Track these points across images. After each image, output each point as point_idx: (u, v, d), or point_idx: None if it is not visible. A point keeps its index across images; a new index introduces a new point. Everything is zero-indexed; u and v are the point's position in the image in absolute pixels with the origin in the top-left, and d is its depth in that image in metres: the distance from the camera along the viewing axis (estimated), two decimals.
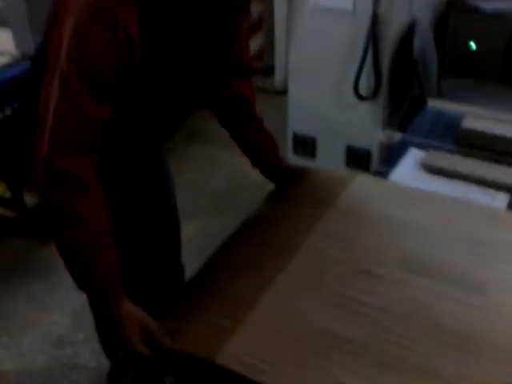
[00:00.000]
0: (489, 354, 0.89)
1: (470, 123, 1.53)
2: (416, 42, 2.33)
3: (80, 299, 2.08)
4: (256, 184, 2.77)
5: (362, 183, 1.31)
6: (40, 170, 0.91)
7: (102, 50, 0.88)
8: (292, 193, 1.32)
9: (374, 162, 2.53)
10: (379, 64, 2.35)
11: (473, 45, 2.81)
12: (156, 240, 1.35)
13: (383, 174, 1.40)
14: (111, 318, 0.94)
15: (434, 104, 1.74)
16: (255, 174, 2.84)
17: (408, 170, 1.40)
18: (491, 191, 1.31)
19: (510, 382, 0.85)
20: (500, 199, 1.29)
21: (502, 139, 1.47)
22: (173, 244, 1.51)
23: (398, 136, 1.60)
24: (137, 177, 1.24)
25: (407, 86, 2.62)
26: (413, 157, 1.45)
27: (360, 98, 2.43)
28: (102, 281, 0.93)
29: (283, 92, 3.15)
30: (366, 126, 2.53)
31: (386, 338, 0.92)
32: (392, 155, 1.49)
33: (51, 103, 0.90)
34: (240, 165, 2.91)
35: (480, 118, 1.57)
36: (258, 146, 1.34)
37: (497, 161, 1.43)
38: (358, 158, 2.61)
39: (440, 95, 2.42)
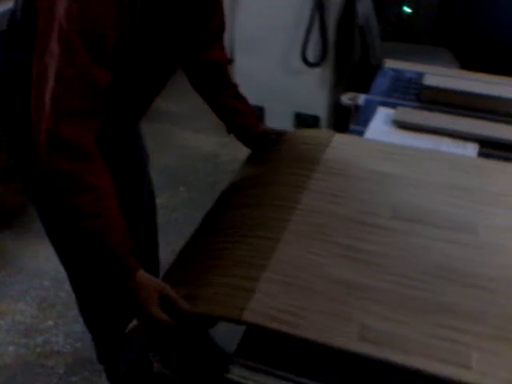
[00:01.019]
0: (493, 287, 0.96)
1: (430, 80, 1.60)
2: (359, 8, 2.38)
3: (44, 286, 2.04)
4: (208, 158, 2.79)
5: (342, 142, 1.35)
6: (43, 139, 0.87)
7: (104, 10, 0.85)
8: (273, 155, 1.33)
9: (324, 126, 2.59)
10: (325, 30, 2.39)
11: (407, 9, 2.91)
12: (132, 216, 1.34)
13: (357, 133, 1.44)
14: (128, 287, 0.93)
15: (390, 65, 1.79)
16: (206, 149, 2.86)
17: (380, 128, 1.46)
18: (461, 142, 1.39)
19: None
20: (471, 149, 1.37)
21: (461, 94, 1.55)
22: (149, 218, 1.50)
23: (361, 97, 1.64)
24: (116, 150, 1.22)
25: (353, 51, 2.68)
26: (383, 115, 1.51)
27: (308, 64, 2.47)
28: (116, 248, 0.92)
29: (229, 62, 3.15)
30: (314, 92, 2.59)
31: (396, 281, 0.97)
32: (361, 116, 1.54)
33: (50, 70, 0.86)
34: (190, 140, 2.92)
35: (437, 75, 1.65)
36: (234, 110, 1.34)
37: (458, 114, 1.51)
38: (306, 125, 2.67)
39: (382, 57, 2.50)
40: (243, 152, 2.62)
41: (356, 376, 0.86)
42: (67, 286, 1.95)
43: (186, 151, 2.82)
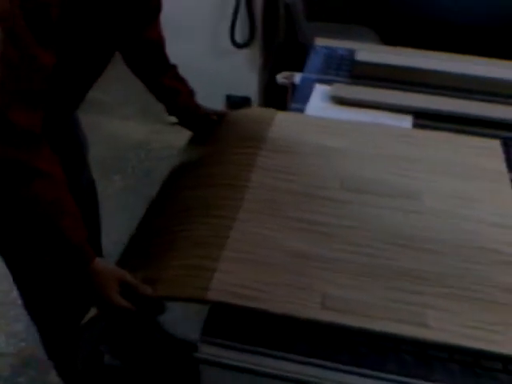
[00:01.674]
0: (442, 250, 1.01)
1: (361, 56, 1.64)
2: None
3: None
4: (140, 146, 2.74)
5: (285, 119, 1.36)
6: None
7: None
8: (217, 136, 1.33)
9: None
10: (252, 10, 2.39)
11: None
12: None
13: (297, 110, 1.46)
14: (87, 276, 0.91)
15: (322, 43, 1.83)
16: (138, 136, 2.80)
17: (319, 104, 1.48)
18: (396, 115, 1.44)
19: (461, 266, 0.99)
20: (405, 121, 1.42)
21: (392, 68, 1.60)
22: (91, 207, 1.46)
23: (297, 76, 1.66)
24: (56, 137, 1.18)
25: (280, 31, 2.70)
26: (320, 92, 1.54)
27: (236, 45, 2.47)
28: (72, 235, 0.89)
29: None
30: (244, 73, 2.59)
31: (351, 249, 1.01)
32: (299, 94, 1.56)
33: None
34: (120, 129, 2.85)
35: (367, 51, 1.69)
36: (174, 92, 1.32)
37: (391, 88, 1.56)
38: (238, 106, 2.67)
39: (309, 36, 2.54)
40: (175, 137, 2.61)
41: (321, 344, 0.88)
42: (3, 286, 1.89)
43: (117, 140, 2.75)
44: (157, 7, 1.24)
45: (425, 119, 1.44)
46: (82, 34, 0.97)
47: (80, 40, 0.98)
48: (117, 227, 2.01)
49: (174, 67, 1.33)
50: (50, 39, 0.85)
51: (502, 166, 1.24)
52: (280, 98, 2.07)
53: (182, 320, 1.76)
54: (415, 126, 1.42)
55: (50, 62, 0.86)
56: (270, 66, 2.73)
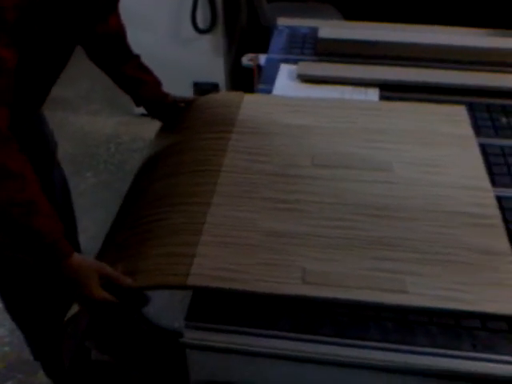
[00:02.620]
0: (415, 217, 1.03)
1: (324, 33, 1.65)
2: None
3: None
4: (109, 140, 2.72)
5: (253, 101, 1.37)
6: None
7: None
8: (186, 123, 1.33)
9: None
10: None
11: None
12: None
13: (264, 91, 1.47)
14: (66, 272, 0.91)
15: (284, 23, 1.82)
16: (106, 131, 2.78)
17: (286, 84, 1.49)
18: (363, 89, 1.45)
19: (433, 231, 1.01)
20: (372, 94, 1.44)
21: (355, 43, 1.61)
22: (65, 205, 1.45)
23: (262, 57, 1.66)
24: (22, 135, 1.17)
25: (241, 14, 2.69)
26: (286, 71, 1.54)
27: (199, 31, 2.45)
28: (48, 233, 0.89)
29: None
30: (209, 59, 2.58)
31: (326, 224, 1.02)
32: (265, 75, 1.56)
33: None
34: (88, 124, 2.82)
35: (329, 28, 1.70)
36: (140, 82, 1.32)
37: (355, 63, 1.57)
38: (206, 93, 2.65)
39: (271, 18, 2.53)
40: (144, 129, 2.60)
41: (304, 319, 0.90)
42: None
43: (85, 136, 2.73)
44: None
45: (391, 91, 1.46)
46: (41, 30, 0.96)
47: (40, 36, 0.97)
48: (93, 223, 2.00)
49: (137, 57, 1.32)
50: (10, 38, 0.84)
51: (469, 130, 1.26)
52: (247, 80, 2.07)
53: (166, 310, 1.77)
54: (382, 98, 1.43)
55: (13, 60, 0.85)
56: (235, 50, 2.72)
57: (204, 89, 2.63)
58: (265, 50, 1.72)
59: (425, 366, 0.84)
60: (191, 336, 0.88)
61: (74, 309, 0.97)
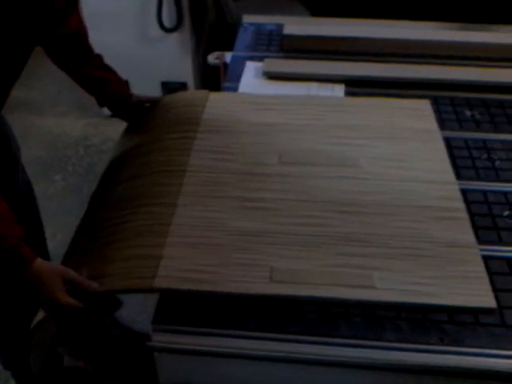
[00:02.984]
0: (381, 212, 1.04)
1: (289, 30, 1.65)
2: None
3: None
4: (78, 142, 2.68)
5: (218, 99, 1.36)
6: None
7: None
8: (151, 123, 1.31)
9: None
10: None
11: None
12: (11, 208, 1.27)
13: (230, 89, 1.46)
14: (28, 280, 0.89)
15: (249, 20, 1.82)
16: (74, 133, 2.74)
17: (252, 81, 1.48)
18: (329, 85, 1.45)
19: (400, 226, 1.01)
20: (338, 90, 1.44)
21: (320, 39, 1.61)
22: (30, 210, 1.43)
23: (227, 55, 1.65)
24: None
25: (208, 13, 2.67)
26: (252, 69, 1.53)
27: (165, 30, 2.43)
28: (6, 239, 0.86)
29: None
30: (177, 58, 2.56)
31: (293, 222, 1.02)
32: (231, 72, 1.55)
33: None
34: (55, 127, 2.77)
35: (295, 25, 1.70)
36: (103, 82, 1.29)
37: (321, 59, 1.57)
38: (175, 92, 2.63)
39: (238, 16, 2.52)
40: (113, 130, 2.56)
41: (272, 318, 0.89)
42: None
43: (53, 139, 2.68)
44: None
45: (356, 87, 1.46)
46: None
47: None
48: (62, 228, 1.97)
49: (99, 57, 1.29)
50: None
51: (434, 124, 1.27)
52: (215, 79, 2.06)
53: (140, 313, 1.74)
54: (348, 94, 1.43)
55: None
56: (203, 49, 2.70)
57: (172, 88, 2.61)
58: (232, 48, 1.71)
59: (394, 361, 0.84)
60: (158, 339, 0.87)
61: (40, 315, 0.95)
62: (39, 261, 0.90)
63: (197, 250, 0.95)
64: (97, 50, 1.30)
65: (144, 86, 2.64)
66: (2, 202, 0.88)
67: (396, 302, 0.89)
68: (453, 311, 0.89)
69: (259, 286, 0.90)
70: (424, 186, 1.09)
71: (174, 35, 2.47)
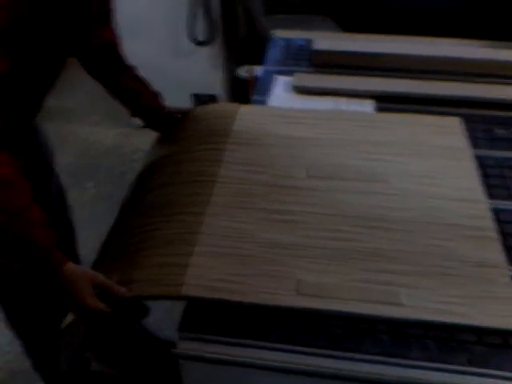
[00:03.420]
0: (410, 229, 1.03)
1: (319, 45, 1.66)
2: None
3: None
4: (110, 151, 2.72)
5: (248, 112, 1.37)
6: None
7: None
8: (182, 134, 1.33)
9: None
10: (210, 7, 2.39)
11: None
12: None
13: (260, 103, 1.47)
14: (59, 283, 0.90)
15: (280, 35, 1.83)
16: (107, 142, 2.79)
17: (282, 95, 1.49)
18: (358, 100, 1.46)
19: (429, 243, 1.01)
20: (367, 106, 1.44)
21: (350, 54, 1.62)
22: (62, 215, 1.45)
23: (257, 69, 1.66)
24: (17, 145, 1.17)
25: (239, 26, 2.70)
26: (281, 83, 1.54)
27: (197, 43, 2.46)
28: (40, 242, 0.88)
29: None
30: (208, 70, 2.59)
31: (321, 235, 1.02)
32: (260, 86, 1.57)
33: None
34: (89, 135, 2.82)
35: (324, 40, 1.71)
36: (136, 93, 1.32)
37: (350, 74, 1.58)
38: (205, 104, 2.66)
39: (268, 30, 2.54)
40: (145, 140, 2.59)
41: (298, 330, 0.89)
42: None
43: (86, 147, 2.73)
44: (104, 8, 1.23)
45: (386, 102, 1.46)
46: (31, 39, 0.96)
47: (30, 46, 0.97)
48: (93, 235, 1.98)
49: (132, 68, 1.32)
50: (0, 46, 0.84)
51: (463, 142, 1.26)
52: (245, 92, 2.08)
53: (166, 321, 1.76)
54: (377, 109, 1.43)
55: (2, 69, 0.85)
56: (233, 63, 2.73)
57: (202, 100, 2.64)
58: (262, 62, 1.73)
59: (420, 380, 0.84)
60: (184, 346, 0.87)
61: (69, 318, 0.96)
62: (70, 264, 0.92)
63: (225, 259, 0.96)
64: (130, 61, 1.33)
65: (175, 98, 2.66)
66: (36, 207, 0.90)
67: (423, 320, 0.88)
68: (481, 332, 0.88)
69: (286, 298, 0.90)
70: (453, 204, 1.08)
71: (206, 48, 2.51)
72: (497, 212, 1.09)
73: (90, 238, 1.87)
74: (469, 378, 0.83)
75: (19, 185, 0.88)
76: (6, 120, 0.90)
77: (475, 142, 1.29)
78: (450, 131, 1.29)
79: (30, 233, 0.87)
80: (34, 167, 1.28)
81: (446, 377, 0.84)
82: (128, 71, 1.31)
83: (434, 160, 1.20)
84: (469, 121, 1.36)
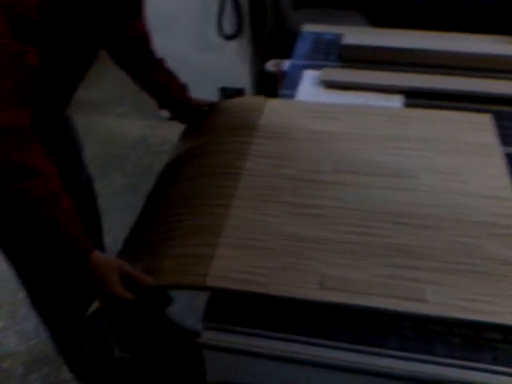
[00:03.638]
0: (437, 225, 1.02)
1: (349, 40, 1.65)
2: None
3: None
4: (137, 142, 2.75)
5: (276, 106, 1.37)
6: None
7: None
8: (209, 126, 1.34)
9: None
10: (238, 1, 2.39)
11: None
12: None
13: (287, 96, 1.47)
14: (86, 269, 0.92)
15: (309, 29, 1.83)
16: (134, 133, 2.81)
17: (309, 89, 1.49)
18: (387, 95, 1.45)
19: (455, 240, 0.99)
20: (396, 101, 1.43)
21: (379, 49, 1.60)
22: (90, 204, 1.47)
23: (285, 63, 1.66)
24: (47, 136, 1.19)
25: (267, 20, 2.70)
26: (309, 77, 1.54)
27: (225, 37, 2.47)
28: (69, 230, 0.90)
29: None
30: (235, 64, 2.59)
31: (347, 230, 1.02)
32: (288, 80, 1.57)
33: None
34: (116, 126, 2.85)
35: (354, 34, 1.69)
36: (164, 85, 1.33)
37: (379, 69, 1.56)
38: (231, 98, 2.66)
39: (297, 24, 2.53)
40: (171, 132, 2.60)
41: (322, 324, 0.89)
42: (11, 285, 1.90)
43: (113, 138, 2.76)
44: (138, 2, 1.24)
45: (415, 98, 1.45)
46: (64, 32, 0.97)
47: (63, 38, 0.98)
48: (118, 225, 2.02)
49: (161, 61, 1.33)
50: (32, 38, 0.85)
51: (493, 139, 1.24)
52: (272, 86, 2.07)
53: (189, 311, 1.78)
54: (406, 105, 1.42)
55: (35, 61, 0.87)
56: (260, 56, 2.73)
57: (229, 93, 2.64)
58: (290, 56, 1.72)
59: (443, 377, 0.83)
60: (208, 336, 0.88)
61: (95, 305, 0.98)
62: (97, 253, 0.94)
63: (250, 252, 0.96)
64: (159, 53, 1.34)
65: (201, 91, 2.68)
66: (66, 196, 0.92)
67: (448, 317, 0.88)
68: (507, 330, 0.87)
69: (310, 291, 0.90)
70: (482, 202, 1.07)
71: (234, 42, 2.51)
72: None
73: (113, 227, 1.91)
74: (493, 376, 0.83)
75: (50, 174, 0.90)
76: (38, 111, 0.92)
77: (505, 139, 1.27)
78: (481, 128, 1.27)
79: (60, 220, 0.89)
80: (65, 157, 1.30)
81: (470, 375, 0.83)
82: (157, 63, 1.33)
83: (463, 157, 1.18)
84: (498, 118, 1.34)
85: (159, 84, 1.33)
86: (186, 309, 1.77)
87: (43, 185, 0.87)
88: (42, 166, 0.88)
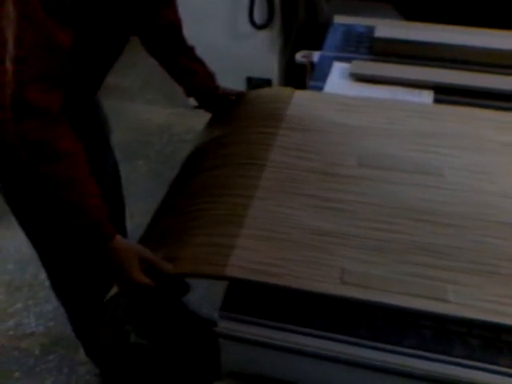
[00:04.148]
0: (462, 224, 1.00)
1: (381, 32, 1.62)
2: None
3: (8, 270, 1.99)
4: (162, 130, 2.76)
5: (303, 98, 1.36)
6: (8, 106, 0.83)
7: None
8: (235, 116, 1.34)
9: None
10: None
11: None
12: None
13: (316, 88, 1.46)
14: (108, 253, 0.93)
15: (340, 21, 1.81)
16: (160, 120, 2.82)
17: (338, 82, 1.47)
18: (416, 90, 1.42)
19: (479, 240, 0.98)
20: (426, 96, 1.41)
21: (411, 43, 1.58)
22: (115, 189, 1.49)
23: (315, 54, 1.65)
24: (77, 119, 1.20)
25: (298, 11, 2.68)
26: (339, 69, 1.52)
27: (256, 26, 2.46)
28: (93, 213, 0.91)
29: None
30: (264, 54, 2.57)
31: (370, 226, 1.00)
32: (317, 72, 1.55)
33: (8, 34, 0.82)
34: (143, 113, 2.87)
35: (386, 27, 1.67)
36: (192, 73, 1.33)
37: (410, 64, 1.54)
38: (259, 88, 2.66)
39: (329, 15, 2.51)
40: (197, 121, 2.62)
41: (340, 319, 0.89)
42: (32, 267, 1.94)
43: (139, 124, 2.77)
44: None
45: (445, 94, 1.42)
46: (97, 15, 0.98)
47: (96, 22, 0.99)
48: (141, 211, 2.04)
49: (191, 49, 1.33)
50: (65, 19, 0.86)
51: None
52: (300, 77, 2.06)
53: (206, 299, 1.79)
54: (436, 101, 1.40)
55: (67, 42, 0.87)
56: (290, 47, 2.71)
57: (257, 84, 2.63)
58: (321, 48, 1.71)
59: (461, 379, 0.82)
60: (224, 326, 0.88)
61: (114, 290, 0.99)
62: (119, 238, 0.94)
63: (271, 243, 0.96)
64: (189, 39, 1.34)
65: (229, 80, 2.68)
66: (92, 180, 0.92)
67: (469, 318, 0.86)
68: None
69: (329, 286, 0.89)
70: (508, 202, 1.05)
71: (264, 32, 2.50)
72: None
73: (135, 213, 1.93)
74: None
75: (78, 157, 0.90)
76: (68, 94, 0.93)
77: None
78: (510, 127, 1.24)
79: (85, 203, 0.90)
80: (93, 142, 1.31)
81: (488, 377, 0.82)
82: (188, 52, 1.33)
83: (491, 156, 1.16)
84: None
85: (188, 72, 1.33)
86: (204, 297, 1.78)
87: (68, 167, 0.88)
88: (68, 148, 0.88)
